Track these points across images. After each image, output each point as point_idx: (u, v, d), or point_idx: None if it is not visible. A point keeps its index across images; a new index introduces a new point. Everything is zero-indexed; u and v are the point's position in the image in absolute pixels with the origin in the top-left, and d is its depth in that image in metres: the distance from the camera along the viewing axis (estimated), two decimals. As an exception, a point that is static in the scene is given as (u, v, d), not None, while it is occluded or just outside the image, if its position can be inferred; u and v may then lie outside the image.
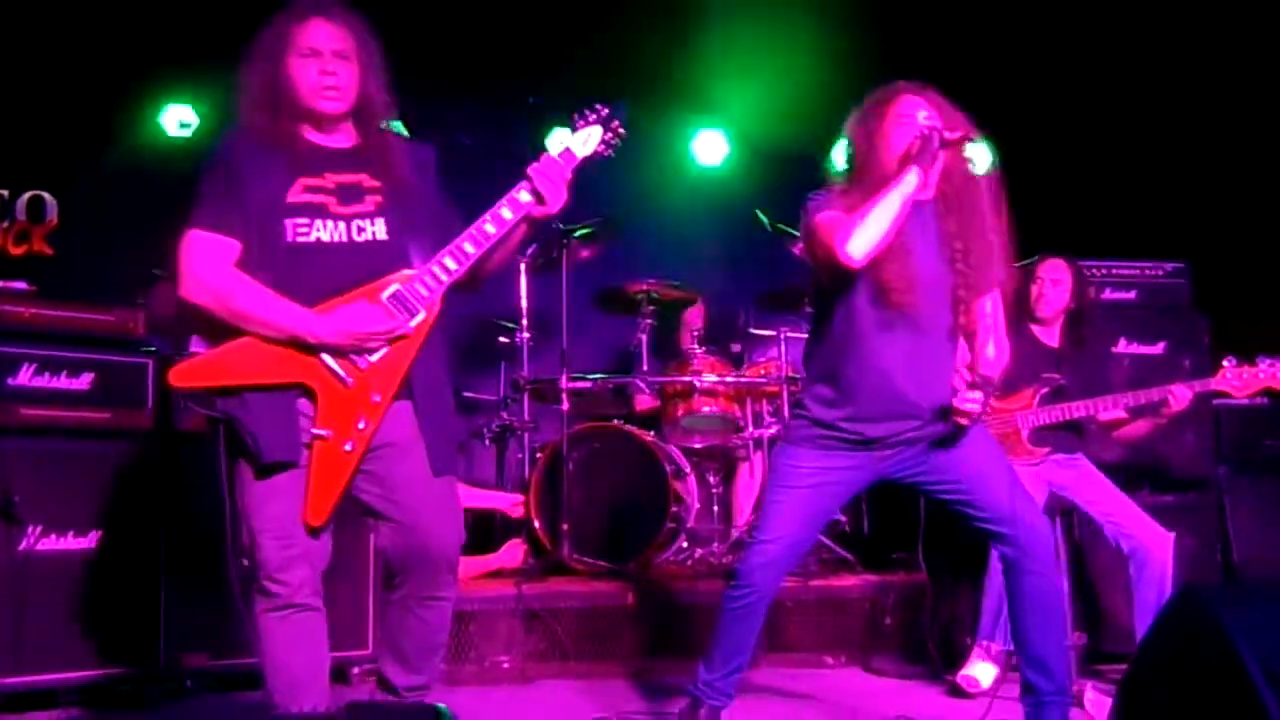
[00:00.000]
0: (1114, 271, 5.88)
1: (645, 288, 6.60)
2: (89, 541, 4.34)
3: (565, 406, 5.97)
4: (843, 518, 6.36)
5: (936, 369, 3.66)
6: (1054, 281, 5.06)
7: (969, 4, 7.33)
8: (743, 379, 6.45)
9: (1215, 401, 5.84)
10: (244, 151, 3.23)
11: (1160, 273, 5.93)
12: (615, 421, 6.25)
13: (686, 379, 6.37)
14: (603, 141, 3.36)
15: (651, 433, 6.18)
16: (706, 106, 8.09)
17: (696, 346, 6.54)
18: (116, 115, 7.43)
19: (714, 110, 8.14)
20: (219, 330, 3.13)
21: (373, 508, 3.26)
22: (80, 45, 6.98)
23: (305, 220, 3.18)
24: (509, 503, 6.10)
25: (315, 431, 3.13)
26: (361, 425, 3.16)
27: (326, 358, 3.14)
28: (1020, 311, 5.03)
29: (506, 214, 3.26)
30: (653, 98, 7.36)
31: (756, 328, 6.89)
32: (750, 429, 6.42)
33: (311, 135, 3.30)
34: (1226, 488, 5.80)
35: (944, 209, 3.67)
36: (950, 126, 3.59)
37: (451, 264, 3.22)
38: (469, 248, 3.24)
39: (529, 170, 3.28)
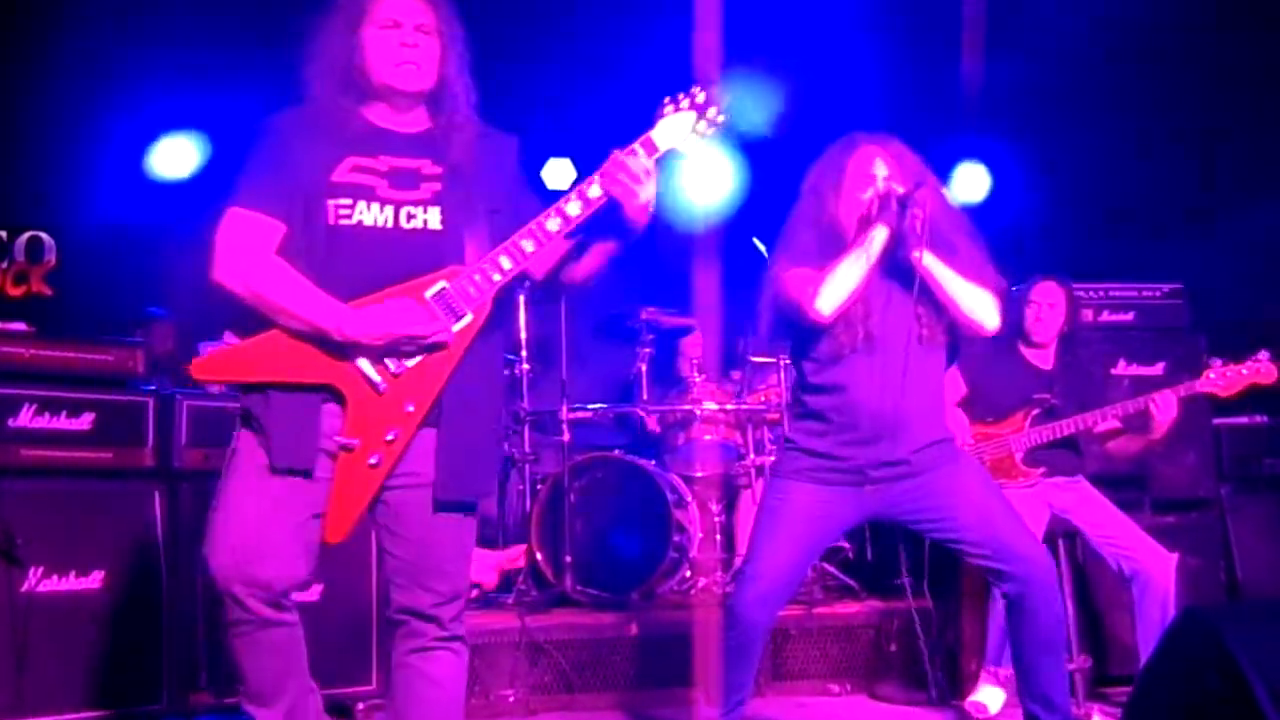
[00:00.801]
0: (1111, 294, 5.90)
1: (644, 316, 6.60)
2: (91, 582, 4.32)
3: (566, 438, 5.96)
4: (846, 544, 6.34)
5: (914, 392, 3.65)
6: (1050, 305, 5.07)
7: (966, 27, 7.35)
8: (743, 406, 6.45)
9: (1215, 420, 5.85)
10: (297, 125, 2.98)
11: (1157, 294, 5.94)
12: (616, 451, 6.25)
13: (687, 407, 6.37)
14: (695, 131, 2.96)
15: (653, 461, 6.18)
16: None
17: (696, 375, 6.54)
18: (115, 154, 7.45)
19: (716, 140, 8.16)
20: (252, 323, 2.89)
21: (381, 539, 3.02)
22: (78, 84, 7.00)
23: (348, 201, 2.90)
24: (508, 559, 6.00)
25: (341, 440, 2.85)
26: (390, 437, 2.86)
27: (360, 360, 2.86)
28: (1011, 334, 5.05)
29: (572, 209, 2.92)
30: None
31: (756, 355, 6.89)
32: (751, 456, 6.42)
33: (375, 116, 3.01)
34: (1229, 507, 5.80)
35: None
36: (904, 179, 3.62)
37: (506, 263, 2.90)
38: (527, 245, 2.91)
39: (606, 163, 2.92)
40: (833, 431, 3.66)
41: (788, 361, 6.26)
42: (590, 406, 6.44)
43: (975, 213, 8.01)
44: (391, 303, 2.84)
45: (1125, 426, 4.89)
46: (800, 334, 3.77)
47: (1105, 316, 5.88)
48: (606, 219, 2.96)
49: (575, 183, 2.95)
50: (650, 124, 2.93)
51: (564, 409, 6.02)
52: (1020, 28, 7.31)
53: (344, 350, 2.85)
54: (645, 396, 6.67)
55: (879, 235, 3.56)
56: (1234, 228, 6.92)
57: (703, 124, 2.96)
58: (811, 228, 3.73)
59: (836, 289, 3.55)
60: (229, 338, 3.02)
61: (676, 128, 2.94)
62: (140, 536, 4.44)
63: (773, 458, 6.25)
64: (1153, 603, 4.72)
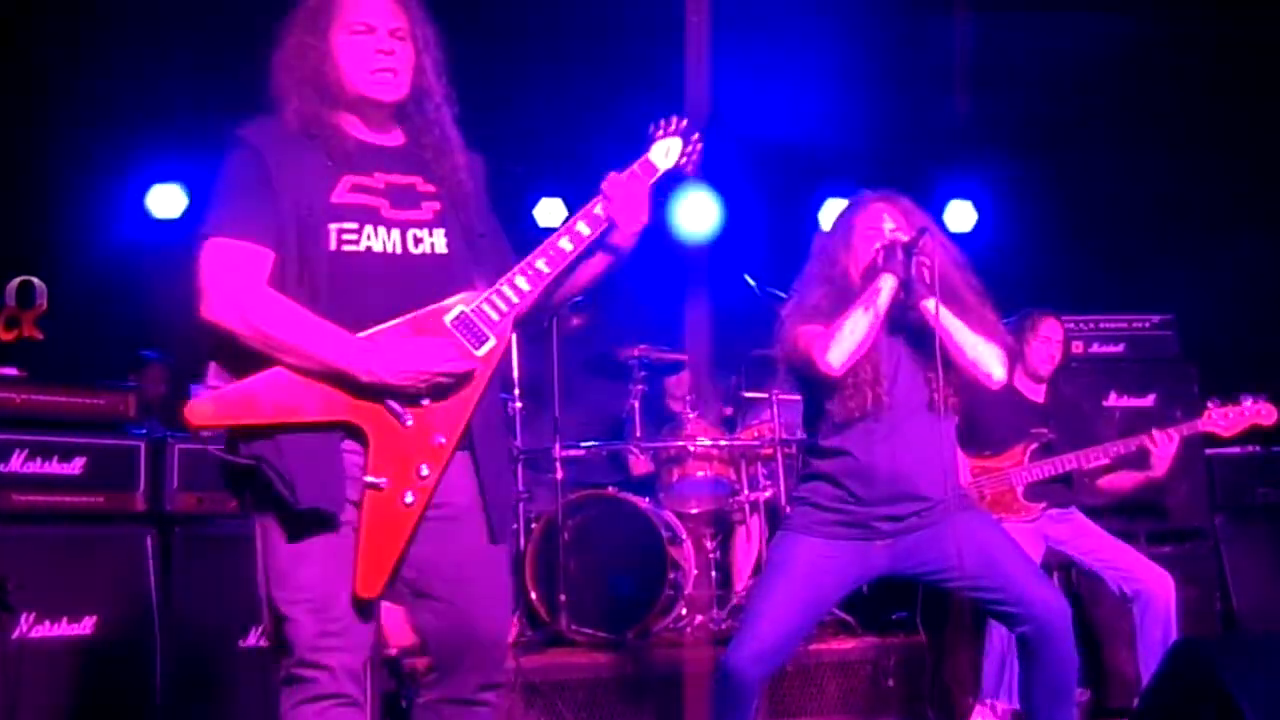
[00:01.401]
0: (1101, 325, 5.92)
1: (636, 353, 6.61)
2: (83, 628, 4.30)
3: (559, 475, 5.95)
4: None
5: (926, 451, 3.64)
6: (1057, 341, 5.09)
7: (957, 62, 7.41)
8: (736, 442, 6.45)
9: (1208, 450, 5.86)
10: (276, 141, 2.70)
11: (1147, 325, 5.96)
12: (610, 488, 6.23)
13: (680, 443, 6.36)
14: (684, 155, 2.94)
15: (646, 498, 6.16)
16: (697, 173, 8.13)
17: (689, 411, 6.54)
18: (104, 197, 7.46)
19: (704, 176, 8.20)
20: (245, 358, 2.59)
21: (412, 582, 2.72)
22: (66, 127, 7.02)
23: (353, 225, 2.67)
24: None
25: (368, 479, 2.58)
26: (425, 472, 2.62)
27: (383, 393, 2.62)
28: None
29: (584, 229, 2.82)
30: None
31: (748, 390, 6.89)
32: (745, 492, 6.41)
33: (352, 129, 2.79)
34: (1223, 537, 5.81)
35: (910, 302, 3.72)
36: (910, 230, 3.65)
37: (525, 284, 2.74)
38: (543, 266, 2.76)
39: (604, 183, 2.85)
40: (848, 492, 3.64)
41: (781, 396, 6.27)
42: (583, 444, 6.43)
43: (962, 244, 8.08)
44: (416, 336, 2.62)
45: (1118, 462, 4.90)
46: (811, 397, 3.77)
47: (1096, 348, 5.90)
48: (597, 241, 2.90)
49: (579, 206, 2.89)
50: (644, 148, 2.93)
51: (557, 447, 6.01)
52: (1007, 63, 7.37)
53: (363, 386, 2.59)
54: (638, 433, 6.66)
55: (887, 284, 3.57)
56: (1221, 258, 6.95)
57: (689, 149, 2.96)
58: (822, 284, 3.75)
59: (846, 341, 3.54)
60: (214, 373, 2.62)
61: (668, 151, 2.92)
62: (132, 582, 4.41)
63: (768, 493, 6.27)
64: (1155, 622, 4.72)
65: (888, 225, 3.70)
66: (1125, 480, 4.97)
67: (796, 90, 7.27)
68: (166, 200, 7.57)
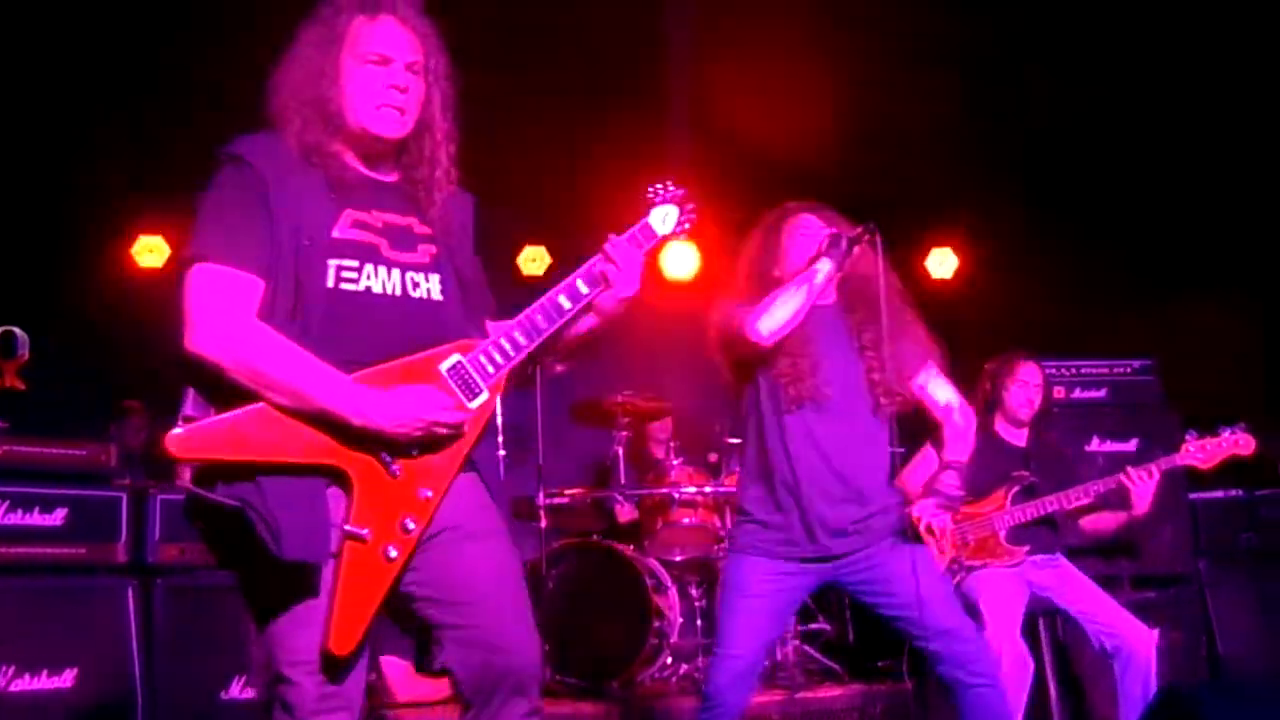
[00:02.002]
0: (1083, 371, 5.95)
1: (620, 400, 6.61)
2: (63, 681, 4.27)
3: (544, 524, 5.94)
4: (827, 625, 6.31)
5: (865, 454, 3.69)
6: (1036, 386, 5.10)
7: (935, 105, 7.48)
8: (721, 488, 6.44)
9: (1192, 495, 5.87)
10: (275, 161, 2.55)
11: (1128, 370, 5.99)
12: (594, 537, 6.22)
13: (664, 490, 6.35)
14: (679, 223, 2.94)
15: (631, 546, 6.15)
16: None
17: (672, 458, 6.53)
18: (87, 248, 7.47)
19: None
20: (226, 389, 2.43)
21: (428, 617, 2.58)
22: (49, 177, 7.04)
23: (354, 263, 2.53)
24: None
25: (350, 529, 2.44)
26: (410, 526, 2.50)
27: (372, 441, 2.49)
28: (987, 412, 5.08)
29: (583, 288, 2.77)
30: (623, 209, 7.45)
31: (732, 436, 6.89)
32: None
33: (350, 159, 2.66)
34: (1207, 581, 5.80)
35: (847, 307, 3.80)
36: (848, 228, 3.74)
37: (522, 339, 2.67)
38: (542, 321, 2.70)
39: (606, 245, 2.80)
40: (783, 499, 3.67)
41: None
42: (567, 492, 6.41)
43: (943, 291, 8.14)
44: (415, 387, 2.50)
45: (1100, 503, 4.90)
46: (747, 386, 3.80)
47: (1078, 394, 5.92)
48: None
49: (581, 264, 2.83)
50: (643, 213, 2.93)
51: (541, 495, 6.00)
52: (988, 112, 7.46)
53: (353, 430, 2.45)
54: (623, 481, 6.65)
55: (824, 267, 3.65)
56: (1202, 303, 7.00)
57: (684, 217, 2.95)
58: (752, 286, 3.80)
59: (776, 312, 3.60)
60: (192, 401, 2.46)
61: (665, 217, 2.91)
62: (113, 634, 4.39)
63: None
64: (1135, 679, 4.70)
65: (824, 229, 3.78)
66: (1108, 521, 4.97)
67: (779, 140, 7.33)
68: (150, 251, 7.58)
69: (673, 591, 6.12)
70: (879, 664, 6.02)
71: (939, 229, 8.42)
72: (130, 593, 4.47)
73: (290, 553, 2.35)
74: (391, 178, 2.71)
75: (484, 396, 2.63)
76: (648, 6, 6.90)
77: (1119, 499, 4.83)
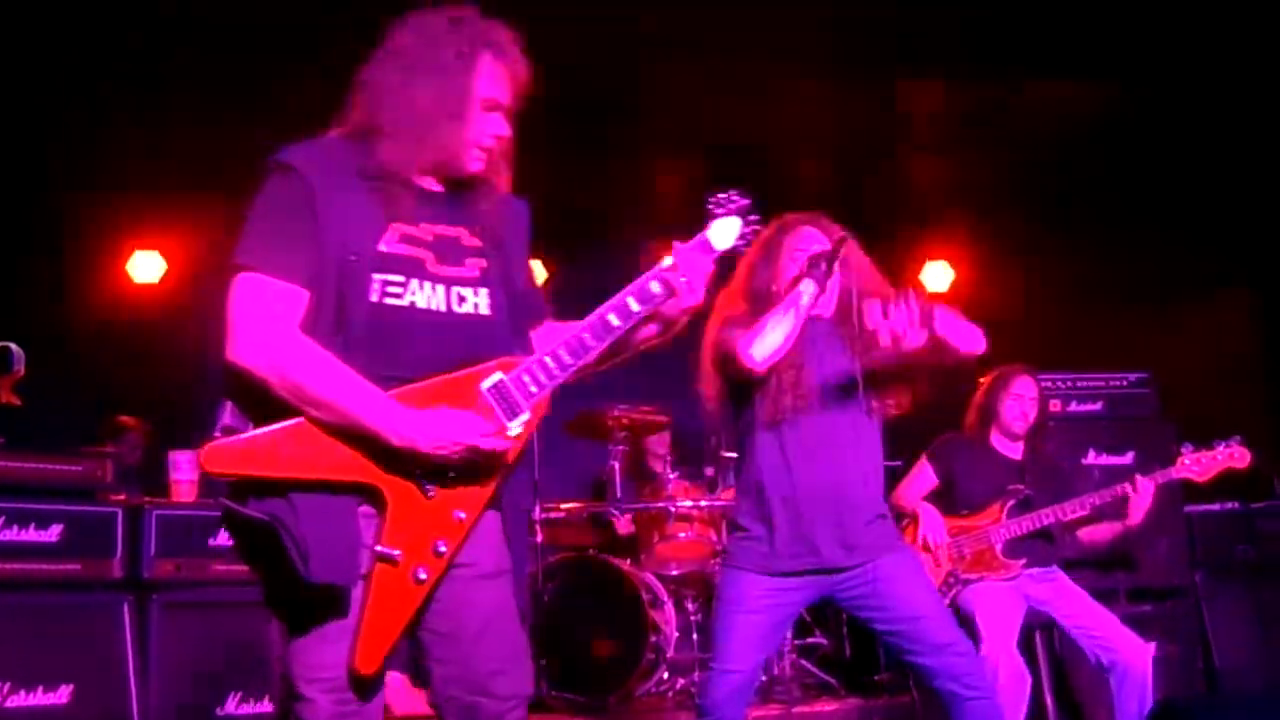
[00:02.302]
0: (1078, 384, 5.96)
1: (617, 413, 6.60)
2: (59, 697, 4.26)
3: (539, 539, 5.93)
4: (824, 640, 6.31)
5: (856, 466, 3.69)
6: (1031, 399, 5.11)
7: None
8: (718, 502, 6.43)
9: (1188, 508, 5.88)
10: (326, 171, 2.51)
11: (1124, 383, 6.00)
12: (590, 551, 6.21)
13: (661, 504, 6.35)
14: (741, 235, 2.84)
15: (628, 560, 6.14)
16: (674, 232, 8.19)
17: (669, 471, 6.53)
18: (84, 263, 7.47)
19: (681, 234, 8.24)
20: (265, 401, 2.42)
21: (422, 641, 2.59)
22: (46, 193, 7.04)
23: (399, 278, 2.50)
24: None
25: (381, 550, 2.43)
26: (442, 549, 2.48)
27: (409, 461, 2.47)
28: (982, 424, 5.09)
29: (634, 305, 2.68)
30: (617, 222, 7.48)
31: (729, 450, 6.88)
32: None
33: (392, 165, 2.60)
34: (1203, 594, 5.81)
35: (840, 319, 3.79)
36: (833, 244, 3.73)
37: (568, 357, 2.60)
38: (589, 339, 2.63)
39: (671, 255, 2.73)
40: (776, 514, 3.67)
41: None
42: (563, 505, 6.41)
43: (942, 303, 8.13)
44: (457, 411, 2.46)
45: (1096, 515, 4.90)
46: (741, 401, 3.80)
47: (1074, 407, 5.93)
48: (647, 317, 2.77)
49: (640, 277, 2.74)
50: (703, 225, 2.83)
51: (537, 508, 5.99)
52: (986, 125, 7.48)
53: (390, 450, 2.43)
54: (619, 495, 6.64)
55: (808, 289, 3.64)
56: (1198, 316, 7.02)
57: (747, 229, 2.85)
58: (746, 300, 3.81)
59: (768, 337, 3.60)
60: (230, 413, 2.46)
61: (726, 230, 2.82)
62: (109, 649, 4.38)
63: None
64: (1131, 694, 4.70)
65: (814, 245, 3.78)
66: (1103, 532, 4.98)
67: (775, 151, 7.35)
68: (147, 266, 7.58)
69: (669, 606, 6.11)
70: (882, 677, 6.01)
71: (935, 241, 8.43)
72: (126, 608, 4.47)
73: (318, 575, 2.35)
74: (441, 186, 2.65)
75: (524, 417, 2.56)
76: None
77: (1114, 510, 4.84)
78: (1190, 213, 7.37)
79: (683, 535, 6.34)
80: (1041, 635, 4.92)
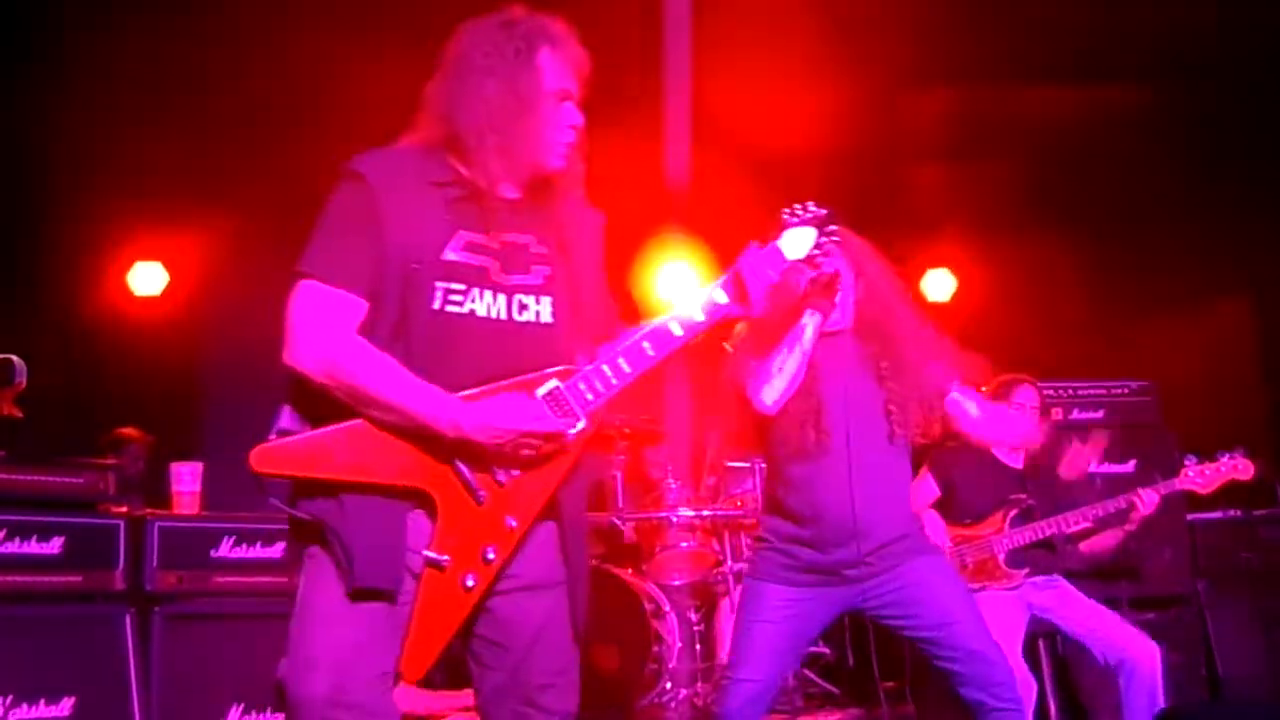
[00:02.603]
0: (1080, 392, 5.95)
1: (618, 424, 6.60)
2: (61, 709, 4.25)
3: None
4: (826, 650, 6.30)
5: (878, 487, 3.68)
6: (1033, 409, 5.11)
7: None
8: (719, 512, 6.43)
9: (1190, 516, 5.87)
10: (396, 180, 2.51)
11: (1126, 391, 6.00)
12: (592, 561, 6.20)
13: (662, 514, 6.34)
14: (816, 246, 2.78)
15: (630, 570, 6.13)
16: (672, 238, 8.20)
17: (671, 481, 6.52)
18: (84, 275, 7.47)
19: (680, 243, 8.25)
20: (321, 404, 2.44)
21: (478, 653, 2.60)
22: (48, 204, 7.05)
23: (461, 286, 2.50)
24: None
25: (429, 555, 2.43)
26: (490, 556, 2.47)
27: (460, 463, 2.46)
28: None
29: (698, 315, 2.66)
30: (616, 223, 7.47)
31: (729, 460, 6.88)
32: (729, 562, 6.38)
33: (469, 174, 2.59)
34: (1206, 602, 5.80)
35: (862, 333, 3.77)
36: (846, 258, 3.68)
37: (627, 366, 2.58)
38: (649, 349, 2.61)
39: (738, 265, 2.70)
40: (803, 530, 3.67)
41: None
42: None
43: (940, 313, 8.15)
44: (508, 397, 2.46)
45: (1100, 525, 4.91)
46: (764, 426, 3.78)
47: (1075, 415, 5.92)
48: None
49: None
50: (774, 235, 2.78)
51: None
52: (985, 134, 7.48)
53: (445, 449, 2.44)
54: (620, 505, 6.64)
55: (812, 322, 3.62)
56: (1199, 324, 7.03)
57: (824, 240, 2.79)
58: (760, 324, 3.79)
59: (776, 380, 3.60)
60: (287, 417, 2.49)
61: (799, 241, 2.77)
62: (111, 662, 4.37)
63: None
64: (1140, 691, 4.68)
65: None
66: (1106, 540, 4.98)
67: (774, 162, 7.35)
68: (148, 278, 7.58)
69: (671, 616, 6.10)
70: (885, 686, 5.98)
71: (936, 249, 8.42)
72: (128, 621, 4.46)
73: (361, 580, 2.37)
74: (514, 193, 2.63)
75: (580, 424, 2.54)
76: (645, 25, 6.92)
77: (1116, 518, 4.84)
78: (1191, 221, 7.37)
79: (684, 545, 6.34)
80: (1044, 642, 4.92)
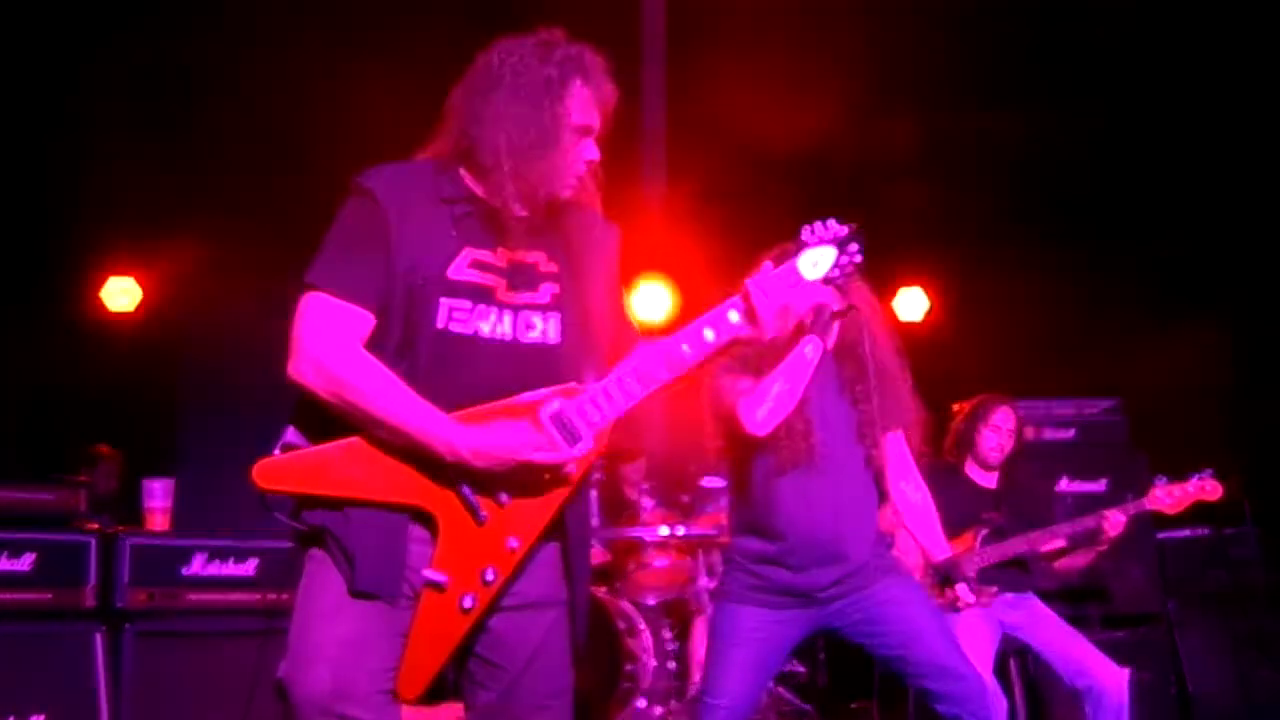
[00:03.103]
0: (1053, 411, 5.99)
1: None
2: (30, 728, 4.23)
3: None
4: (800, 667, 6.30)
5: (855, 509, 3.70)
6: (1009, 431, 5.13)
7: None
8: (694, 530, 6.42)
9: (1159, 535, 5.91)
10: (404, 195, 2.51)
11: (1097, 410, 6.04)
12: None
13: (637, 532, 6.33)
14: (836, 266, 2.65)
15: (604, 588, 6.12)
16: (649, 261, 8.22)
17: (645, 500, 6.52)
18: (58, 291, 7.44)
19: (656, 264, 8.27)
20: (325, 422, 2.44)
21: (473, 671, 2.57)
22: (20, 219, 7.02)
23: (466, 304, 2.49)
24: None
25: (428, 575, 2.41)
26: (490, 577, 2.45)
27: (461, 483, 2.44)
28: (958, 453, 5.11)
29: (709, 335, 2.59)
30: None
31: (709, 479, 6.87)
32: (704, 581, 6.37)
33: (481, 189, 2.57)
34: (1176, 620, 5.83)
35: (842, 356, 3.77)
36: (844, 291, 3.66)
37: (636, 385, 2.54)
38: (658, 369, 2.57)
39: (747, 284, 2.61)
40: (776, 549, 3.67)
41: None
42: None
43: (913, 332, 8.19)
44: (511, 423, 2.43)
45: (1071, 544, 4.93)
46: (743, 447, 3.77)
47: (1047, 434, 5.96)
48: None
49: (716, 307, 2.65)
50: (793, 254, 2.67)
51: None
52: (956, 154, 7.52)
53: (447, 469, 2.42)
54: (596, 523, 6.63)
55: (811, 351, 3.61)
56: (1170, 343, 7.07)
57: (844, 260, 2.66)
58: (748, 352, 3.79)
59: (771, 404, 3.57)
60: (292, 434, 2.48)
61: (819, 261, 2.66)
62: (81, 679, 4.35)
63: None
64: (1107, 718, 4.71)
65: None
66: (1078, 559, 5.01)
67: (751, 177, 7.38)
68: (122, 294, 7.54)
69: (645, 634, 6.09)
70: (852, 705, 6.00)
71: (909, 268, 8.45)
72: (99, 638, 4.44)
73: (362, 583, 2.38)
74: (527, 211, 2.58)
75: (584, 444, 2.50)
76: (620, 44, 6.94)
77: (1087, 539, 4.87)
78: (1162, 241, 7.44)
79: (659, 563, 6.33)
80: (1016, 661, 4.93)
